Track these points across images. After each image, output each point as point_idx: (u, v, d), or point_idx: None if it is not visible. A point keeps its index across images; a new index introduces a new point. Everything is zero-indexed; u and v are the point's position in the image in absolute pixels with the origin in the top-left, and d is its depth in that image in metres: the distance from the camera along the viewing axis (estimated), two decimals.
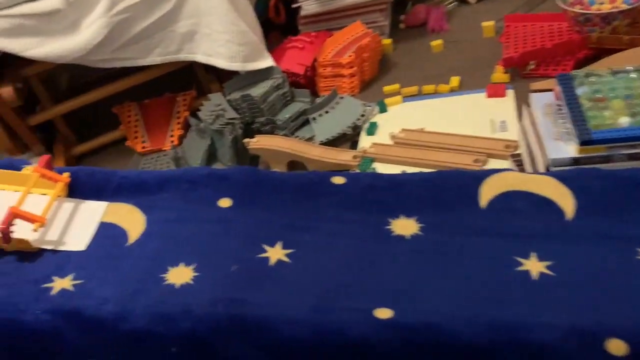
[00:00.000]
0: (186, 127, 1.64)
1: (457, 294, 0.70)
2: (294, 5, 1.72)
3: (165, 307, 0.72)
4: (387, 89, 1.56)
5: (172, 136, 1.66)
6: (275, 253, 0.78)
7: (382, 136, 1.39)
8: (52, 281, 0.78)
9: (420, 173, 0.87)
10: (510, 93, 1.39)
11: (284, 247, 0.78)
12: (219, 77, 1.71)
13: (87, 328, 0.72)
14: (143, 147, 1.64)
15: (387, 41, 1.71)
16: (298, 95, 1.55)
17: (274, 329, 0.68)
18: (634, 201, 0.77)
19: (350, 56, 1.57)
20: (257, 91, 1.51)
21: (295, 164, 1.40)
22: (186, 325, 0.70)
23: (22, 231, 0.83)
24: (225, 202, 0.86)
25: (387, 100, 1.47)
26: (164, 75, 1.65)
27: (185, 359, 0.71)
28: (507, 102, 1.37)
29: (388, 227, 0.80)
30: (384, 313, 0.68)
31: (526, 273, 0.72)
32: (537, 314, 0.66)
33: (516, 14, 1.60)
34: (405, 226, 0.79)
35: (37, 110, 1.65)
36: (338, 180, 0.86)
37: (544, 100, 1.05)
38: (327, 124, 1.48)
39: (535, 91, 1.13)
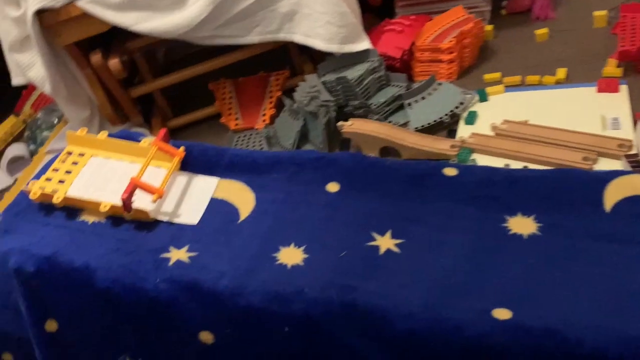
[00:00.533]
0: (278, 106, 1.65)
1: (581, 300, 0.67)
2: None
3: (279, 286, 0.73)
4: (487, 77, 1.50)
5: (264, 115, 1.68)
6: (385, 242, 0.77)
7: (481, 126, 1.35)
8: (168, 252, 0.81)
9: (539, 170, 0.84)
10: (624, 89, 1.30)
11: (394, 237, 0.78)
12: (312, 58, 1.71)
13: (204, 300, 0.74)
14: (236, 125, 1.67)
15: (488, 27, 1.65)
16: (393, 79, 1.52)
17: (387, 321, 0.68)
18: None
19: (450, 41, 1.52)
20: (352, 74, 1.49)
21: (387, 149, 1.38)
22: (300, 307, 0.70)
23: (141, 201, 0.86)
24: (333, 187, 0.86)
25: (489, 89, 1.42)
26: (257, 54, 1.66)
27: (297, 340, 0.72)
28: (621, 98, 1.29)
29: (504, 224, 0.77)
30: (502, 314, 0.66)
31: None
32: None
33: (634, 4, 1.50)
34: (522, 224, 0.77)
35: (136, 83, 1.71)
36: (450, 171, 0.84)
37: None
38: (423, 111, 1.44)
39: None
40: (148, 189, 0.85)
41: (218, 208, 0.87)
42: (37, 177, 0.94)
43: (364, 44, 1.52)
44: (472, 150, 1.26)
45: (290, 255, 0.77)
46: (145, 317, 0.78)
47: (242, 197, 0.88)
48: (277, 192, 0.87)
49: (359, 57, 1.54)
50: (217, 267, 0.77)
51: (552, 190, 0.80)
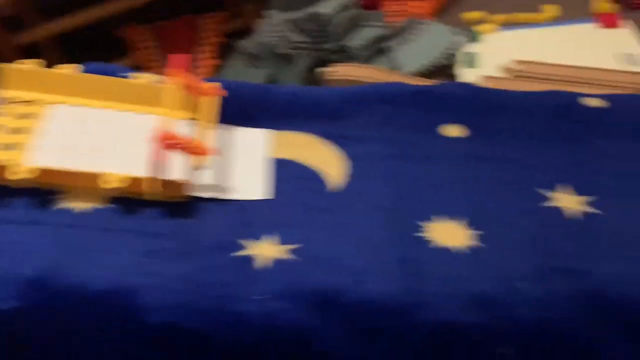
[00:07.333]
0: (222, 55, 1.32)
1: None
2: None
3: (471, 285, 0.46)
4: (467, 16, 1.33)
5: (200, 66, 1.33)
6: (571, 201, 0.54)
7: (484, 69, 1.17)
8: (242, 247, 0.49)
9: None
10: (629, 24, 1.22)
11: (580, 193, 0.54)
12: None
13: (351, 321, 0.44)
14: None
15: None
16: (368, 18, 1.28)
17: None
18: None
19: None
20: (324, 10, 1.22)
21: None
22: (522, 314, 0.44)
23: (172, 169, 0.51)
24: (454, 130, 0.60)
25: (480, 28, 1.25)
26: None
27: None
28: (627, 34, 1.21)
29: None
30: None
31: None
32: None
33: None
34: None
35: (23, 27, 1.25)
36: (592, 101, 0.63)
37: None
38: (412, 53, 1.23)
39: None
40: (191, 148, 0.50)
41: (288, 173, 0.56)
42: None
43: None
44: None
45: (448, 234, 0.50)
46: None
47: (317, 154, 0.58)
48: (370, 143, 0.59)
49: None
50: (346, 262, 0.47)
51: None
